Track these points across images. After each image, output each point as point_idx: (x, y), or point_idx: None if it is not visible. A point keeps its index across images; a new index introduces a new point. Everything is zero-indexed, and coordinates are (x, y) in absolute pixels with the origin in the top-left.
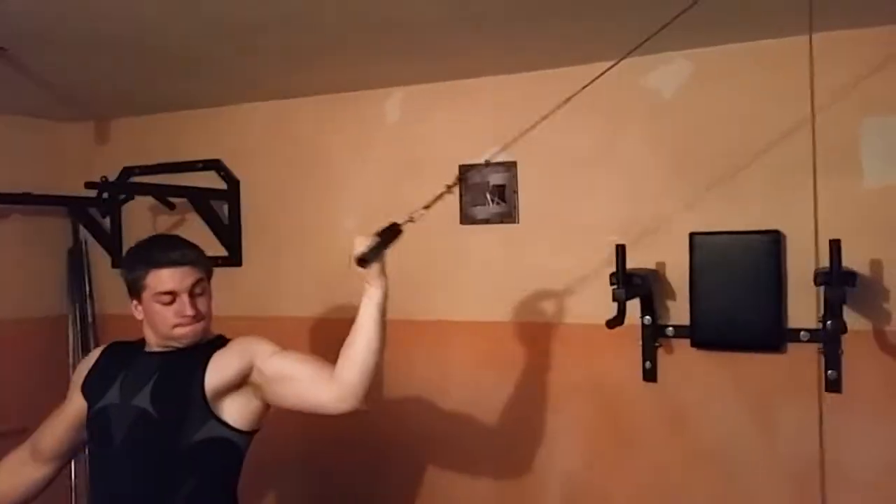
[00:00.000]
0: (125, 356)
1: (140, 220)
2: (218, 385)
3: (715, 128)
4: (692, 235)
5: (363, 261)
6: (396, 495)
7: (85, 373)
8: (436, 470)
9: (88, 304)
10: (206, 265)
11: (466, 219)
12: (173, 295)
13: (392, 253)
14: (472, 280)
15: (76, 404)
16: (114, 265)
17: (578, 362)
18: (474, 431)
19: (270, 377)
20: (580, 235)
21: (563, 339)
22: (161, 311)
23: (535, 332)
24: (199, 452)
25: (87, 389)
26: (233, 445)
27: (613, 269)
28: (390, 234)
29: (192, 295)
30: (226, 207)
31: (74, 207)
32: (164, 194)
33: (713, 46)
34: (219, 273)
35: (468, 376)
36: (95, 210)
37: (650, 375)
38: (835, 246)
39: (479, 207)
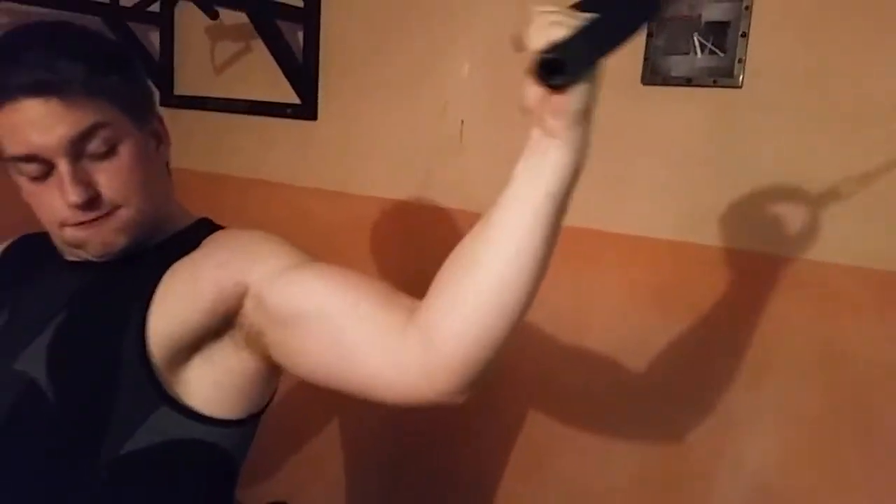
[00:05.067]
0: (29, 264)
1: (196, 44)
2: (173, 333)
3: None
4: None
5: (557, 67)
6: (495, 459)
7: None
8: (556, 431)
9: None
10: (121, 96)
11: (654, 75)
12: (41, 163)
13: (512, 121)
14: (651, 175)
15: None
16: (162, 102)
17: (807, 320)
18: (620, 389)
19: (279, 314)
20: (848, 116)
21: (790, 283)
22: (34, 195)
23: (742, 266)
24: (138, 471)
25: None
26: (208, 450)
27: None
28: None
29: (78, 159)
30: (300, 35)
31: (112, 19)
32: (209, 5)
33: None
34: (287, 127)
35: (622, 314)
36: (136, 25)
37: None
38: None
39: (677, 58)
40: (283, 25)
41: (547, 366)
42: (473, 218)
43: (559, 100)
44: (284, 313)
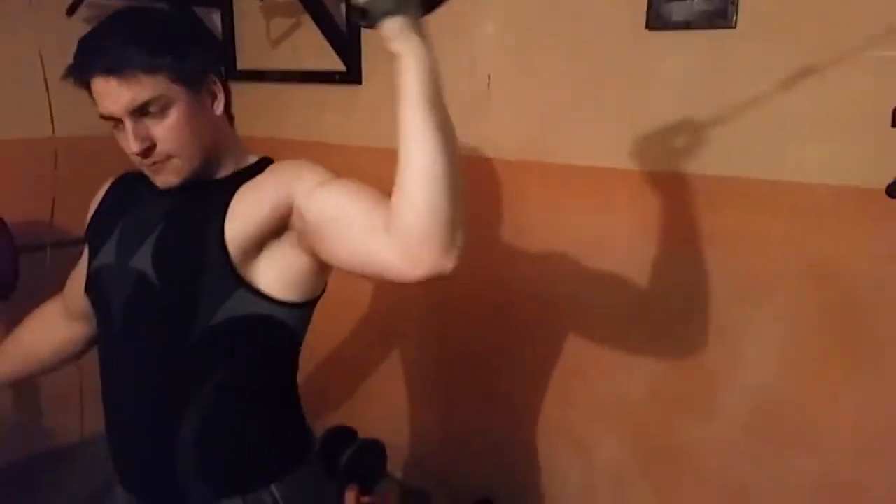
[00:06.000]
0: (132, 194)
1: (252, 22)
2: (244, 234)
3: None
4: None
5: (363, 13)
6: (526, 373)
7: (91, 214)
8: (580, 352)
9: None
10: (175, 70)
11: (657, 20)
12: (115, 120)
13: (535, 74)
14: (657, 114)
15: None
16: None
17: (801, 238)
18: (635, 310)
19: (311, 221)
20: (832, 50)
21: (783, 205)
22: (118, 139)
23: (741, 192)
24: (224, 337)
25: (90, 238)
26: (276, 324)
27: (879, 103)
28: None
29: (139, 118)
30: (342, 7)
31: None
32: None
33: None
34: (335, 92)
35: (636, 242)
36: (207, 10)
37: None
38: None
39: (677, 3)
40: (328, 1)
41: (572, 289)
42: (502, 164)
43: (382, 31)
44: (316, 220)
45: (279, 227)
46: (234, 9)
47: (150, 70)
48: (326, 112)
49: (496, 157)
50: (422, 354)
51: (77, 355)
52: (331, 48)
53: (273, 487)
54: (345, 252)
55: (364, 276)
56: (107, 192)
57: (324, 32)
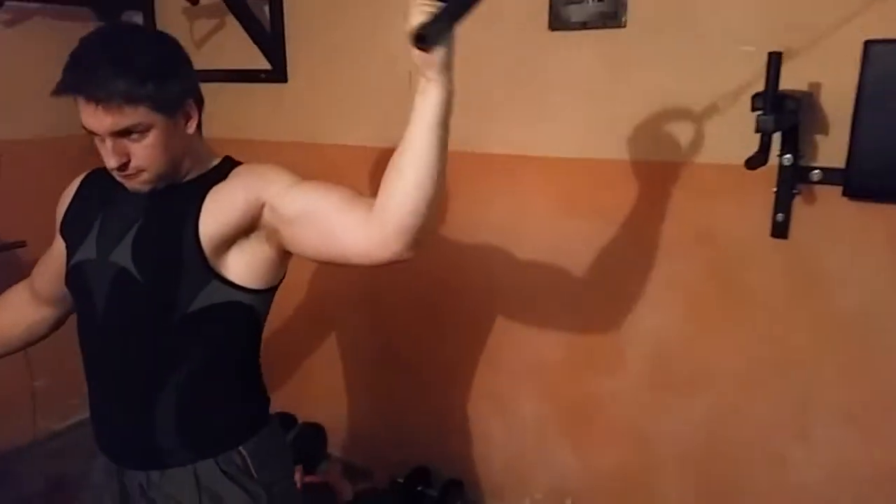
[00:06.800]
0: (105, 191)
1: (175, 25)
2: (218, 232)
3: None
4: (868, 45)
5: (422, 38)
6: (455, 348)
7: (64, 209)
8: (503, 325)
9: None
10: (155, 100)
11: (557, 22)
12: (97, 134)
13: (456, 68)
14: (561, 105)
15: (60, 248)
16: None
17: (688, 211)
18: (550, 285)
19: (287, 217)
20: (705, 46)
21: (670, 182)
22: (97, 147)
23: (636, 173)
24: (200, 323)
25: (65, 232)
26: (244, 309)
27: (742, 91)
28: None
29: (117, 138)
30: (267, 9)
31: (101, 7)
32: None
33: None
34: (262, 90)
35: (548, 222)
36: (130, 13)
37: (780, 230)
38: None
39: (574, 6)
40: (251, 2)
41: (492, 272)
42: None
43: (429, 56)
44: (291, 215)
45: (250, 225)
46: (157, 11)
47: (133, 101)
48: (253, 110)
49: None
50: (358, 339)
51: (44, 336)
52: (255, 48)
53: (241, 448)
54: (317, 242)
55: (328, 262)
56: (79, 188)
57: (249, 32)
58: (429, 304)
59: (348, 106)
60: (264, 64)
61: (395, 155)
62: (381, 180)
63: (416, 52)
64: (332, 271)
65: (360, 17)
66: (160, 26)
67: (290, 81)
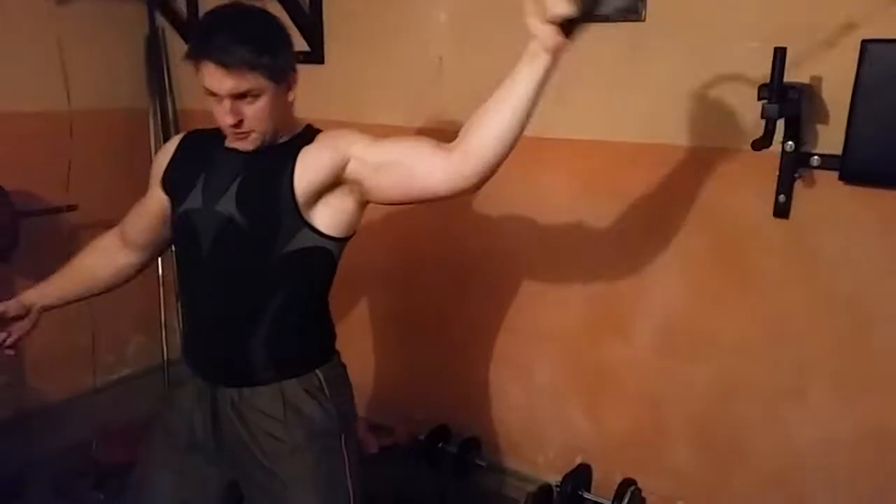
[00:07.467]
0: (206, 151)
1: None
2: (309, 187)
3: None
4: (865, 44)
5: (570, 26)
6: (478, 316)
7: (164, 166)
8: (523, 293)
9: (168, 97)
10: (269, 69)
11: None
12: (216, 96)
13: (479, 54)
14: (582, 92)
15: (158, 199)
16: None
17: (696, 192)
18: (567, 257)
19: (374, 166)
20: (716, 40)
21: (681, 164)
22: (213, 108)
23: (649, 155)
24: (291, 264)
25: (168, 185)
26: (326, 254)
27: (750, 81)
28: None
29: (234, 100)
30: None
31: None
32: None
33: None
34: (300, 71)
35: (567, 200)
36: None
37: (782, 211)
38: None
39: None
40: None
41: (514, 244)
42: (451, 136)
43: (565, 41)
44: (378, 163)
45: (335, 181)
46: None
47: (252, 68)
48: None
49: (450, 129)
50: (386, 304)
51: (129, 279)
52: (295, 29)
53: (318, 371)
54: (401, 184)
55: (408, 201)
56: (177, 148)
57: (289, 15)
58: (454, 270)
59: (382, 88)
60: (303, 45)
61: (492, 102)
62: (469, 123)
63: (552, 33)
64: (364, 241)
65: (398, 3)
66: (201, 5)
67: (326, 63)
